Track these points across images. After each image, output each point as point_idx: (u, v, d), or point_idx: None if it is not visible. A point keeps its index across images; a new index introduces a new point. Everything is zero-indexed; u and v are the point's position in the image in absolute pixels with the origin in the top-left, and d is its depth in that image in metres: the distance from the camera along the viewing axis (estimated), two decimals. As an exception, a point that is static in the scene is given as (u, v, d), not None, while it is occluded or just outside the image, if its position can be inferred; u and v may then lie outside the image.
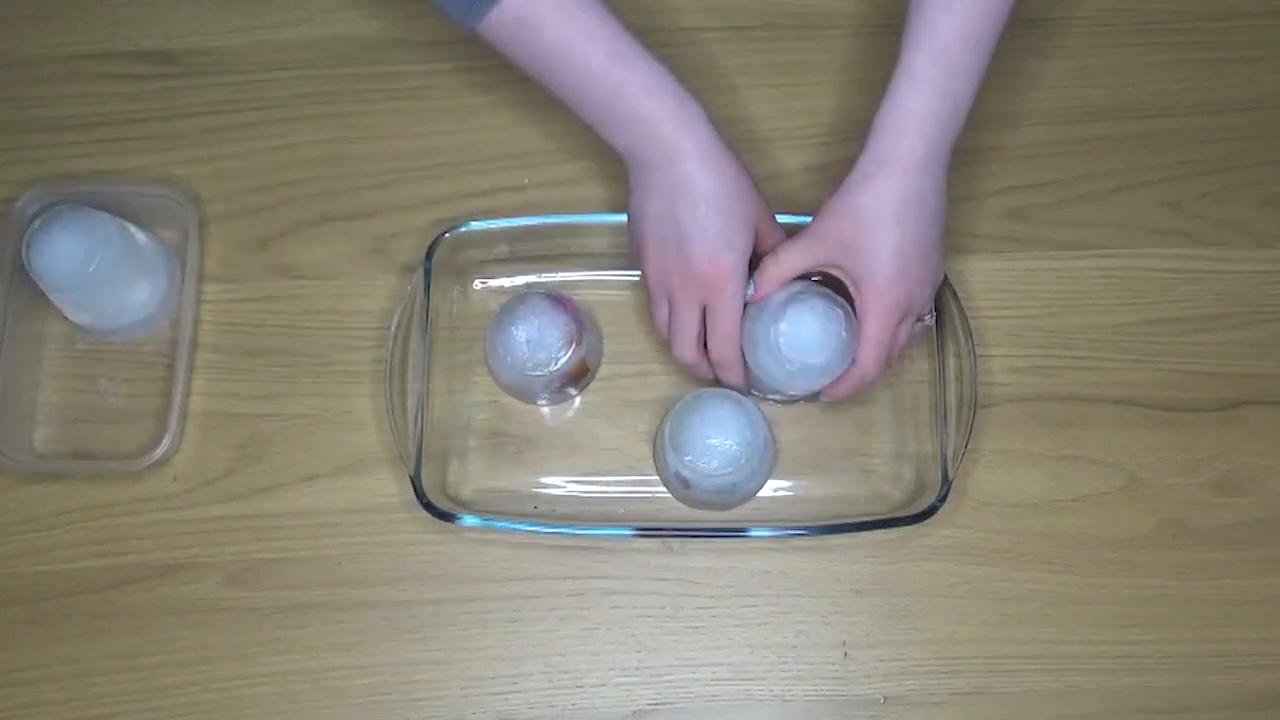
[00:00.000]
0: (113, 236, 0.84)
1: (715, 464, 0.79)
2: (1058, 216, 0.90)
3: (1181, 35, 0.95)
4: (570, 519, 0.85)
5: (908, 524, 0.79)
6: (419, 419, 0.81)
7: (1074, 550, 0.83)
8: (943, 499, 0.79)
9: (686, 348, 0.79)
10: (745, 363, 0.79)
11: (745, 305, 0.77)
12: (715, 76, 0.94)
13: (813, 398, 0.82)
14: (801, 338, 0.76)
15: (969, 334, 0.83)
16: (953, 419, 0.82)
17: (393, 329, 0.83)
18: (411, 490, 0.80)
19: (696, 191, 0.74)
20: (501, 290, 0.89)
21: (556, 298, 0.83)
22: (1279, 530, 0.84)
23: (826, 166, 0.91)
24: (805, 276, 0.78)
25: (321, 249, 0.90)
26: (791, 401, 0.86)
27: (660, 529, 0.84)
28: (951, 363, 0.83)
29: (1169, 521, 0.84)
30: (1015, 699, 0.81)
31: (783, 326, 0.76)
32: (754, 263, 0.78)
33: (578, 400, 0.87)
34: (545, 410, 0.87)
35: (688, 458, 0.79)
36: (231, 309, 0.89)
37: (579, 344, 0.82)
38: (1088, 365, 0.87)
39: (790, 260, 0.77)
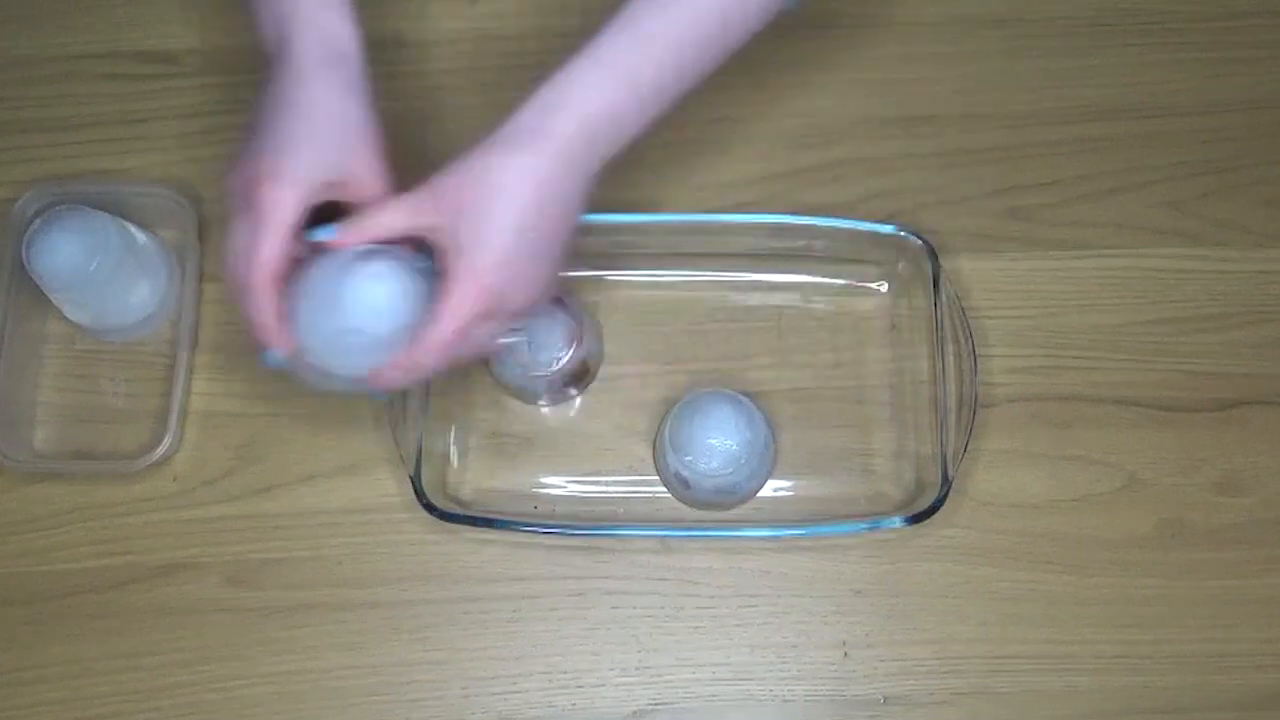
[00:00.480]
0: (112, 237, 0.83)
1: (715, 464, 0.79)
2: (1058, 216, 0.90)
3: (1181, 35, 0.95)
4: (570, 519, 0.85)
5: (908, 524, 0.79)
6: (419, 419, 0.81)
7: (1074, 550, 0.83)
8: (943, 499, 0.79)
9: (226, 264, 0.68)
10: (300, 325, 0.68)
11: (321, 252, 0.68)
12: (715, 76, 0.93)
13: (360, 384, 0.70)
14: (367, 299, 0.66)
15: (969, 334, 0.83)
16: (953, 419, 0.82)
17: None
18: (411, 490, 0.80)
19: (286, 99, 0.67)
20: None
21: (555, 297, 0.83)
22: (1279, 530, 0.84)
23: (826, 167, 0.91)
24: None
25: (321, 249, 0.90)
26: (341, 389, 0.72)
27: (660, 529, 0.84)
28: (951, 363, 0.83)
29: (1169, 521, 0.84)
30: (1015, 699, 0.81)
31: (352, 282, 0.66)
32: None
33: (578, 401, 0.87)
34: (545, 410, 0.87)
35: (688, 458, 0.79)
36: (231, 309, 0.89)
37: (580, 343, 0.82)
38: (1088, 365, 0.87)
39: (393, 212, 0.67)
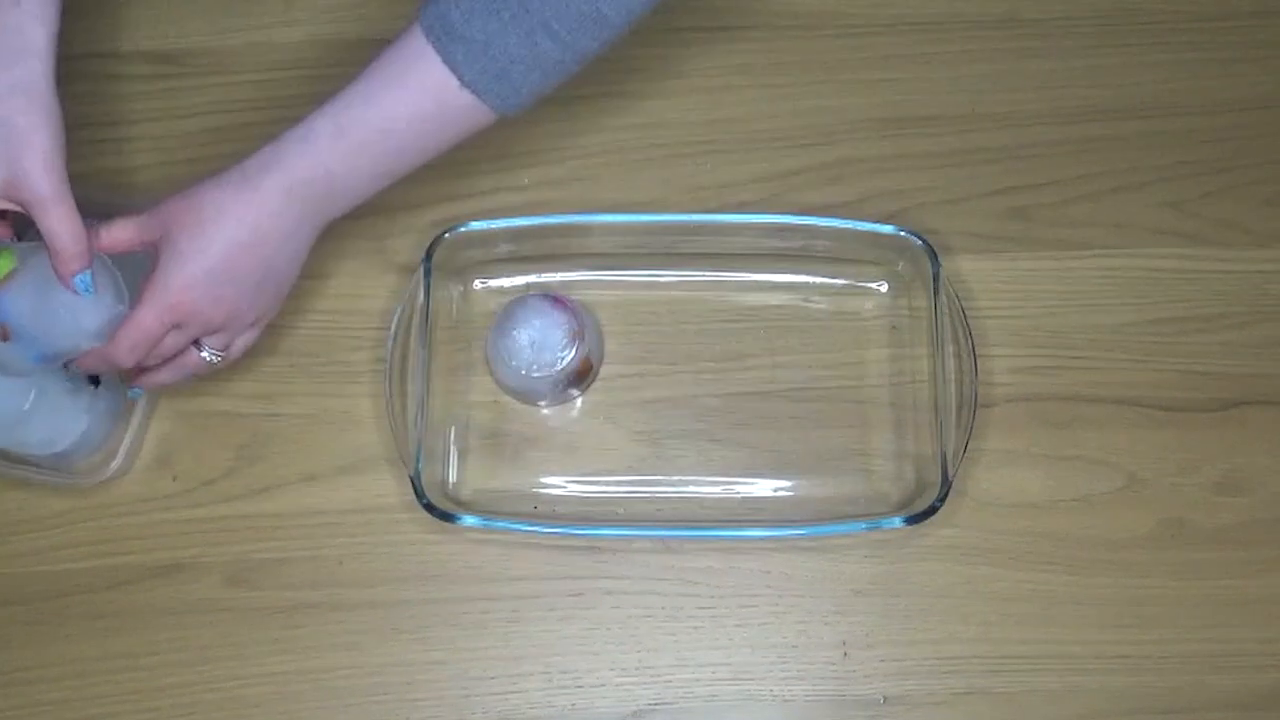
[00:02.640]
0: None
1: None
2: (1058, 216, 0.90)
3: (1181, 35, 0.95)
4: (570, 519, 0.85)
5: (907, 524, 0.79)
6: (419, 419, 0.81)
7: (1074, 550, 0.83)
8: (943, 499, 0.79)
9: None
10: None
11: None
12: (715, 76, 0.94)
13: (56, 362, 0.77)
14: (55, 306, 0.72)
15: (969, 334, 0.83)
16: (953, 419, 0.82)
17: (392, 329, 0.83)
18: (411, 490, 0.80)
19: None
20: (502, 290, 0.89)
21: (555, 298, 0.83)
22: (1279, 530, 0.84)
23: (826, 167, 0.91)
24: None
25: (321, 249, 0.90)
26: (40, 367, 0.77)
27: (660, 529, 0.84)
28: (951, 363, 0.83)
29: (1169, 521, 0.84)
30: (1015, 699, 0.81)
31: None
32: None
33: (579, 401, 0.87)
34: (545, 411, 0.87)
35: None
36: (231, 309, 0.89)
37: (581, 342, 0.82)
38: (1088, 365, 0.87)
39: (121, 228, 0.73)
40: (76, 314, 0.75)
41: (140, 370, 0.78)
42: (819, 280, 0.89)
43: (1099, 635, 0.82)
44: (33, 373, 0.80)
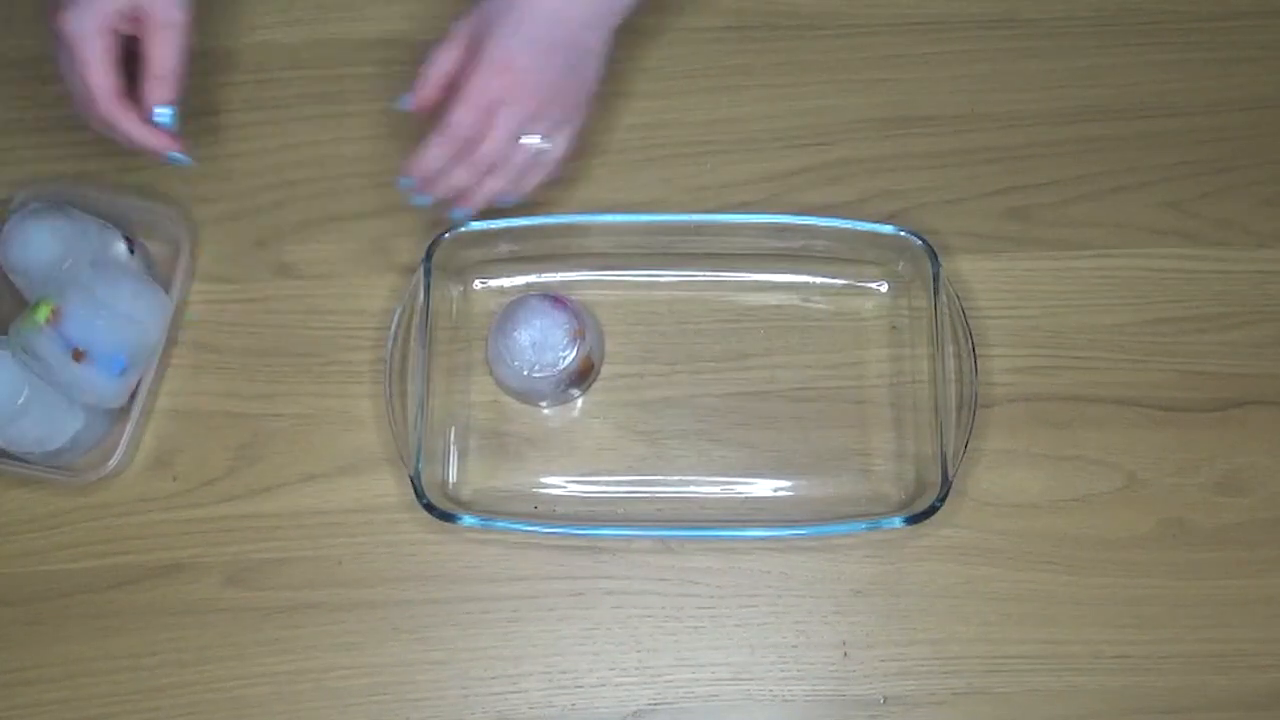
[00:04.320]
0: (91, 238, 0.84)
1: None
2: (1058, 216, 0.90)
3: (1181, 35, 0.95)
4: (570, 519, 0.85)
5: (907, 524, 0.79)
6: (419, 419, 0.81)
7: (1074, 550, 0.83)
8: (943, 499, 0.79)
9: (76, 103, 0.78)
10: None
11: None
12: (715, 76, 0.94)
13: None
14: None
15: (969, 334, 0.83)
16: (953, 419, 0.82)
17: (392, 329, 0.83)
18: (411, 490, 0.80)
19: None
20: (502, 290, 0.89)
21: (555, 297, 0.83)
22: (1279, 530, 0.84)
23: (826, 167, 0.91)
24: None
25: (321, 249, 0.90)
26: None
27: (660, 529, 0.84)
28: (951, 363, 0.83)
29: (1169, 521, 0.84)
30: (1015, 699, 0.81)
31: None
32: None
33: (579, 401, 0.87)
34: (546, 410, 0.87)
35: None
36: (231, 309, 0.89)
37: (582, 341, 0.82)
38: (1088, 365, 0.87)
39: (445, 50, 0.78)
40: (133, 314, 0.82)
41: (462, 196, 0.81)
42: (819, 280, 0.89)
43: (1099, 635, 0.82)
44: (118, 394, 0.83)
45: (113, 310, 0.81)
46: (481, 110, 0.77)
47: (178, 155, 0.79)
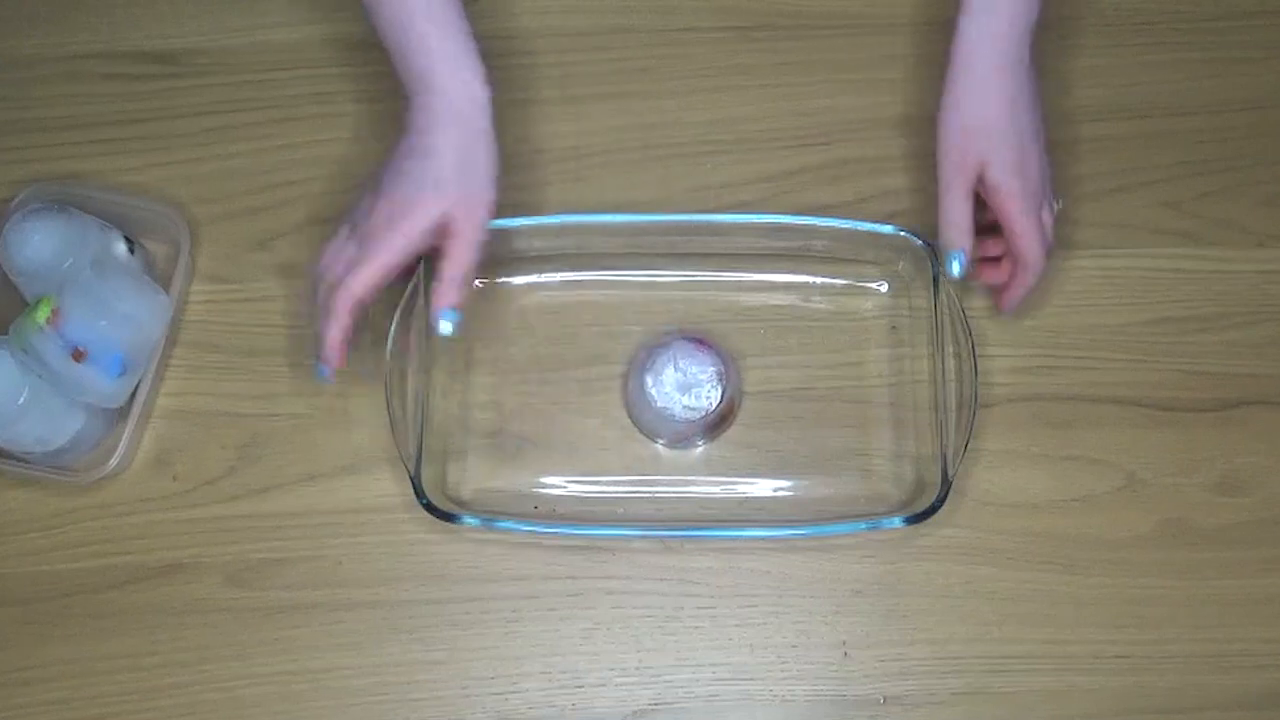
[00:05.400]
0: (91, 239, 0.84)
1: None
2: (1058, 216, 0.90)
3: (1181, 35, 0.95)
4: (570, 519, 0.85)
5: (907, 524, 0.79)
6: (419, 419, 0.81)
7: (1074, 550, 0.83)
8: (942, 499, 0.79)
9: (318, 275, 0.79)
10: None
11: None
12: (715, 76, 0.94)
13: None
14: None
15: (969, 334, 0.83)
16: (953, 419, 0.82)
17: (392, 329, 0.83)
18: (411, 490, 0.80)
19: (421, 147, 0.76)
20: (502, 290, 0.89)
21: (698, 339, 0.83)
22: (1279, 530, 0.84)
23: (826, 167, 0.91)
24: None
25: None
26: None
27: (660, 529, 0.84)
28: (951, 363, 0.83)
29: (1169, 521, 0.84)
30: (1015, 699, 0.81)
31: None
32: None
33: (579, 401, 0.87)
34: (545, 410, 0.87)
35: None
36: (231, 309, 0.89)
37: (727, 382, 0.82)
38: (1088, 365, 0.87)
39: (957, 206, 0.80)
40: (133, 314, 0.82)
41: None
42: (819, 280, 0.89)
43: (1099, 635, 0.82)
44: (118, 394, 0.83)
45: (113, 310, 0.82)
46: (1040, 233, 0.81)
47: (326, 372, 0.79)
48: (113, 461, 0.83)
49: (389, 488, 0.85)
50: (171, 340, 0.87)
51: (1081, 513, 0.84)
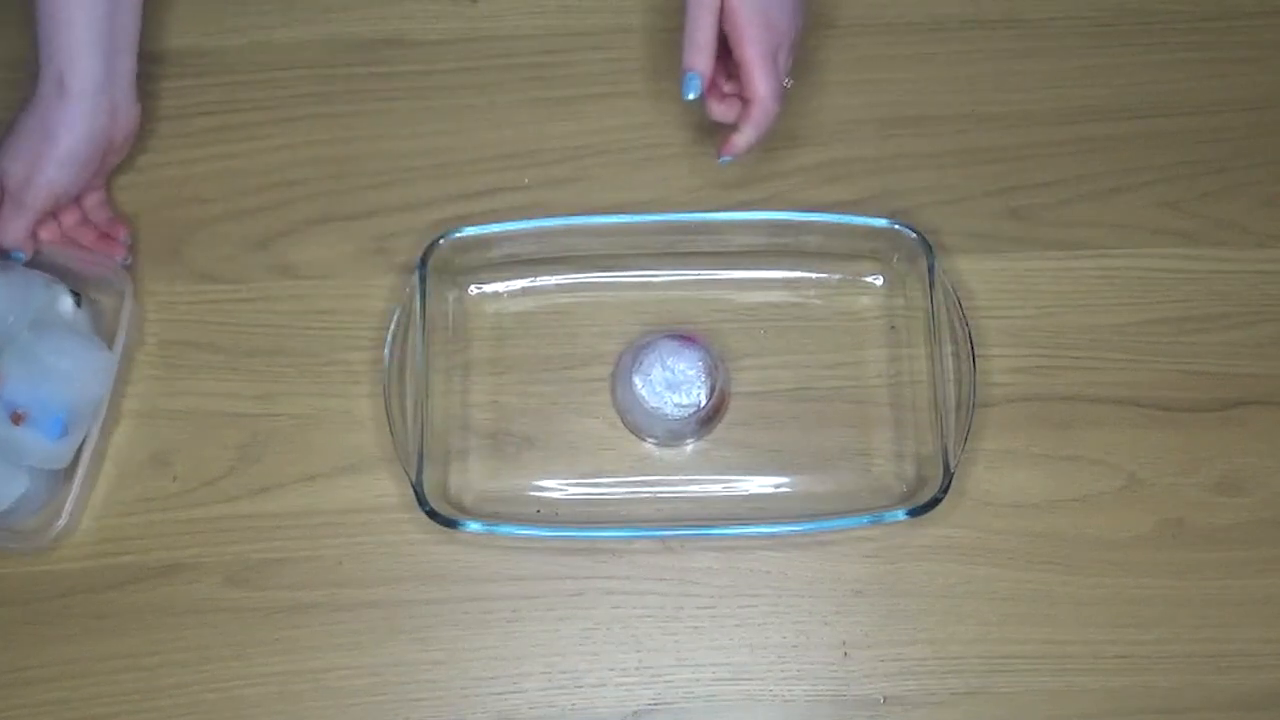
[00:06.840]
0: (37, 294, 0.83)
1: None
2: (1058, 216, 0.90)
3: (1181, 35, 0.95)
4: (571, 520, 0.85)
5: (910, 516, 0.79)
6: (418, 423, 0.81)
7: (1074, 550, 0.83)
8: (945, 490, 0.79)
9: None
10: None
11: None
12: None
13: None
14: None
15: (968, 334, 0.83)
16: (952, 419, 0.82)
17: (390, 332, 0.83)
18: (412, 491, 0.80)
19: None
20: (501, 290, 0.89)
21: (687, 336, 0.83)
22: (1279, 530, 0.84)
23: (826, 166, 0.91)
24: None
25: (321, 249, 0.90)
26: None
27: (660, 529, 0.84)
28: (951, 363, 0.83)
29: (1169, 521, 0.84)
30: (1015, 699, 0.81)
31: None
32: None
33: (579, 401, 0.87)
34: (545, 411, 0.87)
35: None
36: (231, 309, 0.89)
37: (717, 376, 0.82)
38: (1088, 365, 0.87)
39: (702, 30, 0.79)
40: (74, 374, 0.81)
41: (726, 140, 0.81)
42: (817, 279, 0.89)
43: (1099, 635, 0.82)
44: (61, 456, 0.81)
45: (53, 370, 0.80)
46: (776, 66, 0.79)
47: (19, 253, 0.83)
48: (60, 522, 0.81)
49: (389, 488, 0.85)
50: (117, 395, 0.84)
51: (1081, 513, 0.84)
